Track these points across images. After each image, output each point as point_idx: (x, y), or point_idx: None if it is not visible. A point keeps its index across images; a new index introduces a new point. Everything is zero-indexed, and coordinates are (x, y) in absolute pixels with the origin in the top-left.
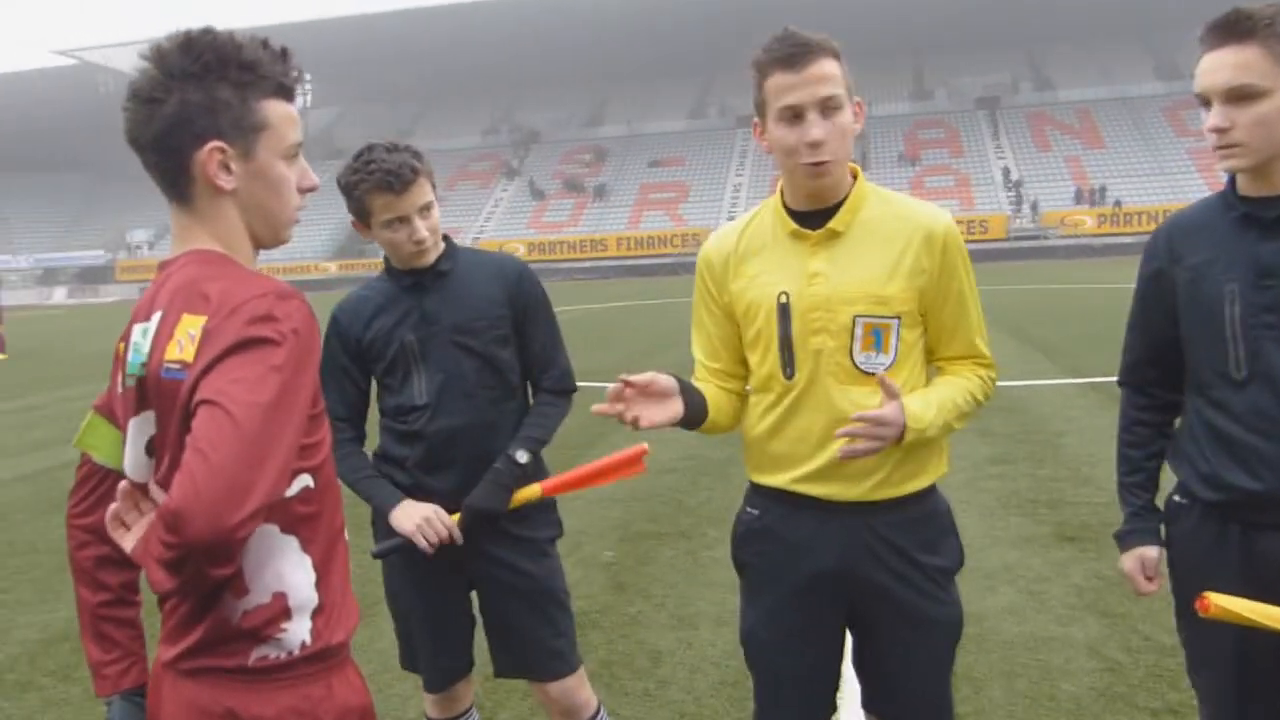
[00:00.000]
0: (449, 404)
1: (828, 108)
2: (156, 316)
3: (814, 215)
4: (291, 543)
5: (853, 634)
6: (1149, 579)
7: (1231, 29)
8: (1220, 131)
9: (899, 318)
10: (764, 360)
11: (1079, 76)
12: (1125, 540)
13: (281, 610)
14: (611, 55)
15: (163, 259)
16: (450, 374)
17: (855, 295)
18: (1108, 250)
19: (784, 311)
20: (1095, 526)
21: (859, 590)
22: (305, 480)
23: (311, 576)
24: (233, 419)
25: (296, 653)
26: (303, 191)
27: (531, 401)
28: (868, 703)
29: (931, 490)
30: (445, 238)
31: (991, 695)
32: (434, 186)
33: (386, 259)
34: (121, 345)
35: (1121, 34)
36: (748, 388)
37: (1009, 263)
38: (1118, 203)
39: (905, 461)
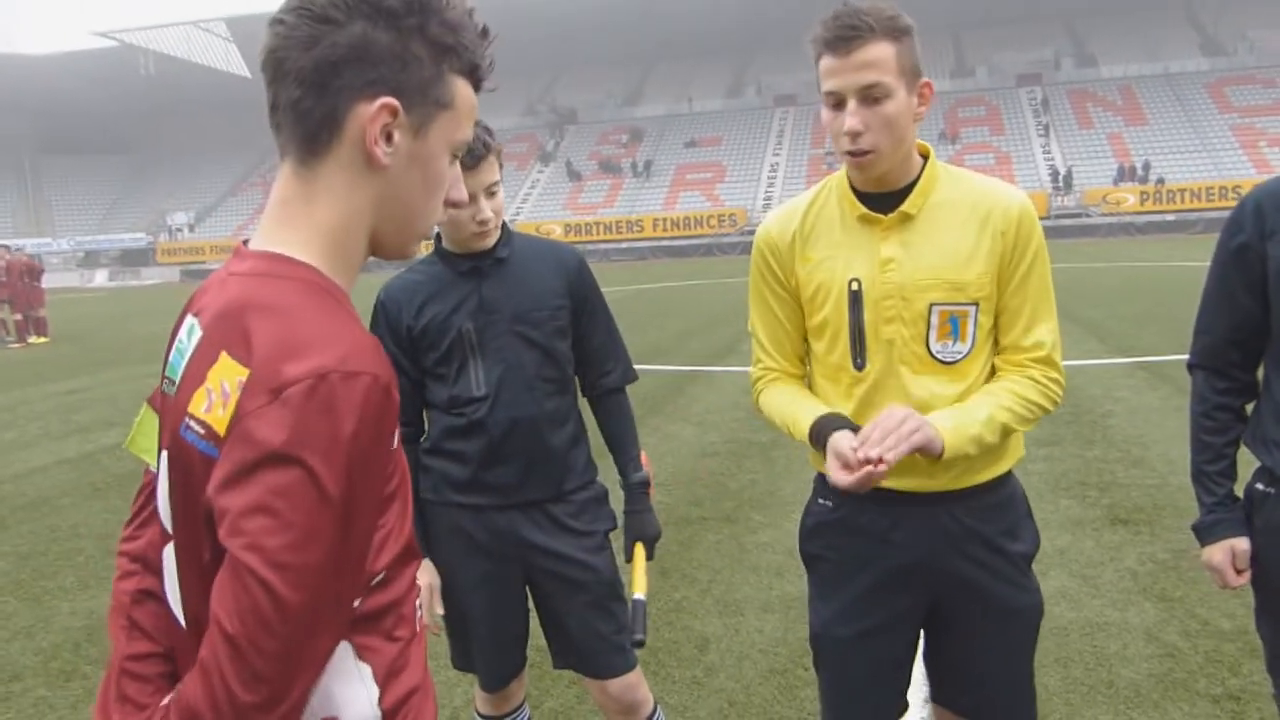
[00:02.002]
0: (509, 395)
1: (869, 97)
2: (199, 333)
3: (883, 198)
4: (344, 652)
5: (927, 628)
6: (1239, 571)
7: None
8: None
9: (977, 304)
10: (832, 348)
11: (1122, 52)
12: (1211, 532)
13: None
14: (649, 35)
15: (244, 239)
16: (510, 364)
17: (931, 282)
18: (1150, 228)
19: (855, 299)
20: (1148, 509)
21: (941, 582)
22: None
23: (373, 692)
24: (272, 595)
25: None
26: (448, 204)
27: (587, 397)
28: (945, 698)
29: (1009, 475)
30: (504, 224)
31: (1047, 683)
32: (501, 166)
33: (438, 240)
34: (175, 333)
35: (1165, 9)
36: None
37: (1051, 241)
38: (1160, 180)
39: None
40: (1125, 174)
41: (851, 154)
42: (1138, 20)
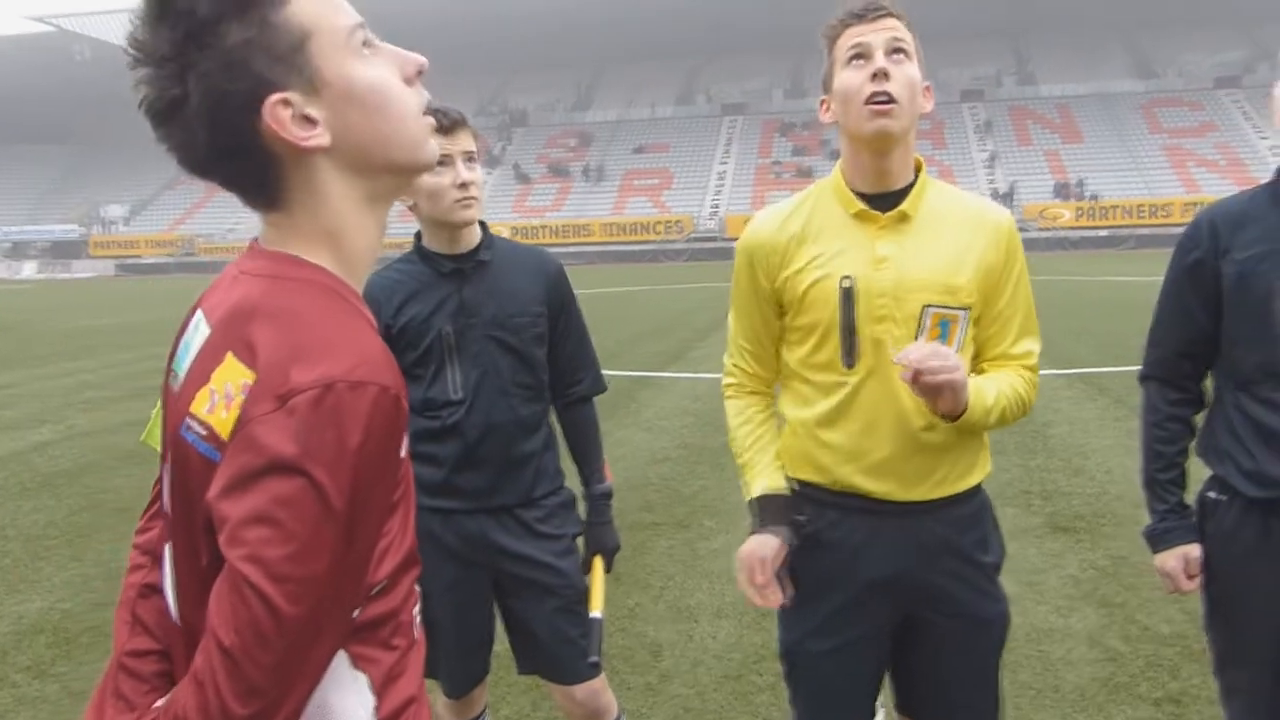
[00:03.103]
0: (485, 400)
1: (896, 50)
2: (205, 331)
3: (880, 197)
4: (340, 662)
5: (897, 638)
6: (1190, 577)
7: None
8: None
9: (967, 310)
10: (820, 348)
11: (1061, 72)
12: (1163, 539)
13: None
14: (600, 39)
15: (255, 236)
16: (487, 369)
17: (925, 283)
18: (1083, 243)
19: (847, 296)
20: (1088, 517)
21: (915, 595)
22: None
23: (369, 701)
24: (271, 608)
25: None
26: (411, 79)
27: (555, 405)
28: (912, 707)
29: (980, 486)
30: (482, 224)
31: None
32: (476, 138)
33: (418, 239)
34: (183, 328)
35: (1102, 30)
36: (776, 386)
37: None
38: (1094, 196)
39: (960, 458)
40: (1061, 190)
41: (877, 103)
42: (1076, 41)
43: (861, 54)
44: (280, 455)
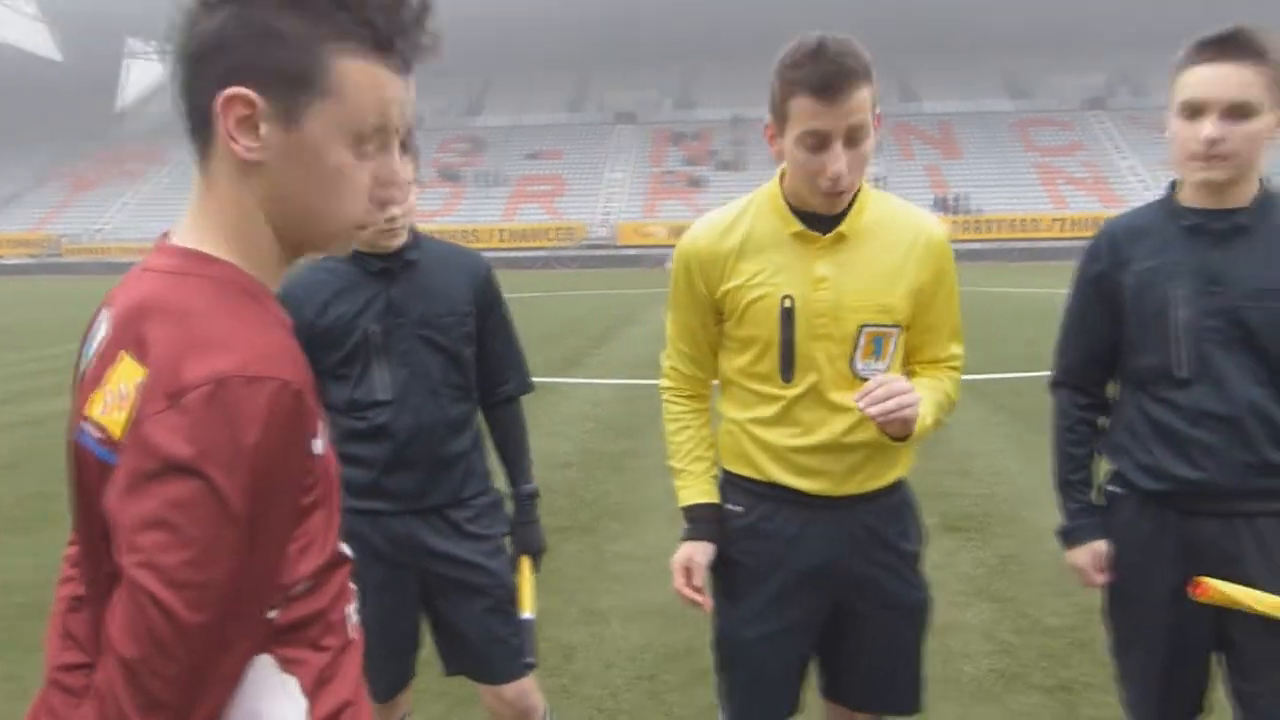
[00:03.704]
0: (413, 401)
1: (854, 138)
2: (104, 330)
3: (819, 217)
4: (267, 666)
5: (826, 627)
6: (1099, 571)
7: (1239, 48)
8: (1214, 142)
9: (899, 326)
10: (760, 361)
11: (941, 90)
12: (1074, 536)
13: None
14: (492, 45)
15: (164, 232)
16: (415, 370)
17: (861, 304)
18: (960, 256)
19: (788, 315)
20: (978, 517)
21: (844, 583)
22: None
23: (301, 703)
24: (169, 616)
25: None
26: (380, 201)
27: (482, 405)
28: (839, 693)
29: (902, 481)
30: (412, 227)
31: None
32: (416, 165)
33: None
34: (91, 326)
35: (979, 51)
36: (715, 383)
37: None
38: (969, 211)
39: (886, 456)
40: (941, 204)
41: (829, 194)
42: (955, 60)
43: (819, 142)
44: (172, 456)
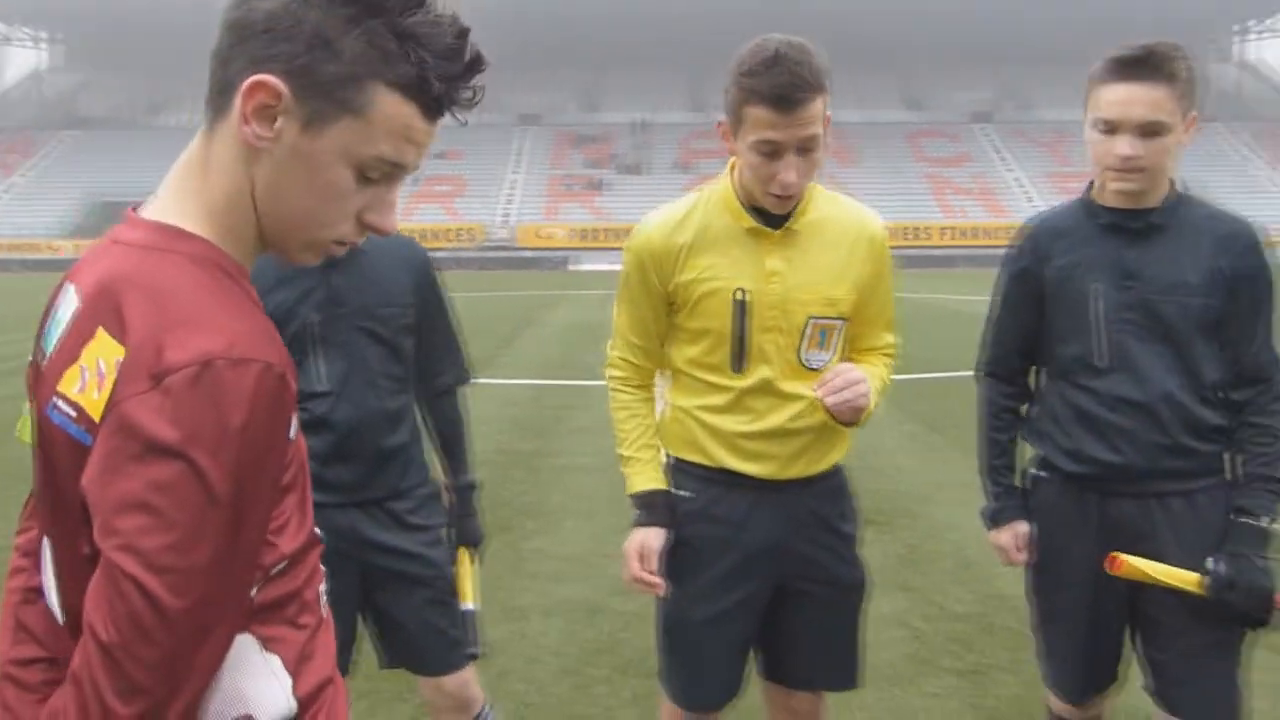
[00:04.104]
0: (353, 392)
1: (806, 148)
2: (75, 304)
3: (769, 212)
4: (249, 646)
5: (768, 609)
6: (1020, 550)
7: (1151, 69)
8: (1129, 159)
9: (844, 319)
10: (712, 352)
11: (836, 99)
12: (998, 517)
13: None
14: None
15: (134, 204)
16: (354, 360)
17: (809, 297)
18: None
19: (740, 308)
20: (886, 511)
21: (788, 564)
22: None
23: (285, 682)
24: (151, 601)
25: None
26: (364, 226)
27: (420, 396)
28: (781, 673)
29: (840, 465)
30: None
31: None
32: None
33: None
34: (53, 301)
35: (875, 61)
36: (662, 373)
37: None
38: None
39: (825, 440)
40: None
41: (779, 198)
42: (850, 73)
43: (772, 151)
44: (156, 438)
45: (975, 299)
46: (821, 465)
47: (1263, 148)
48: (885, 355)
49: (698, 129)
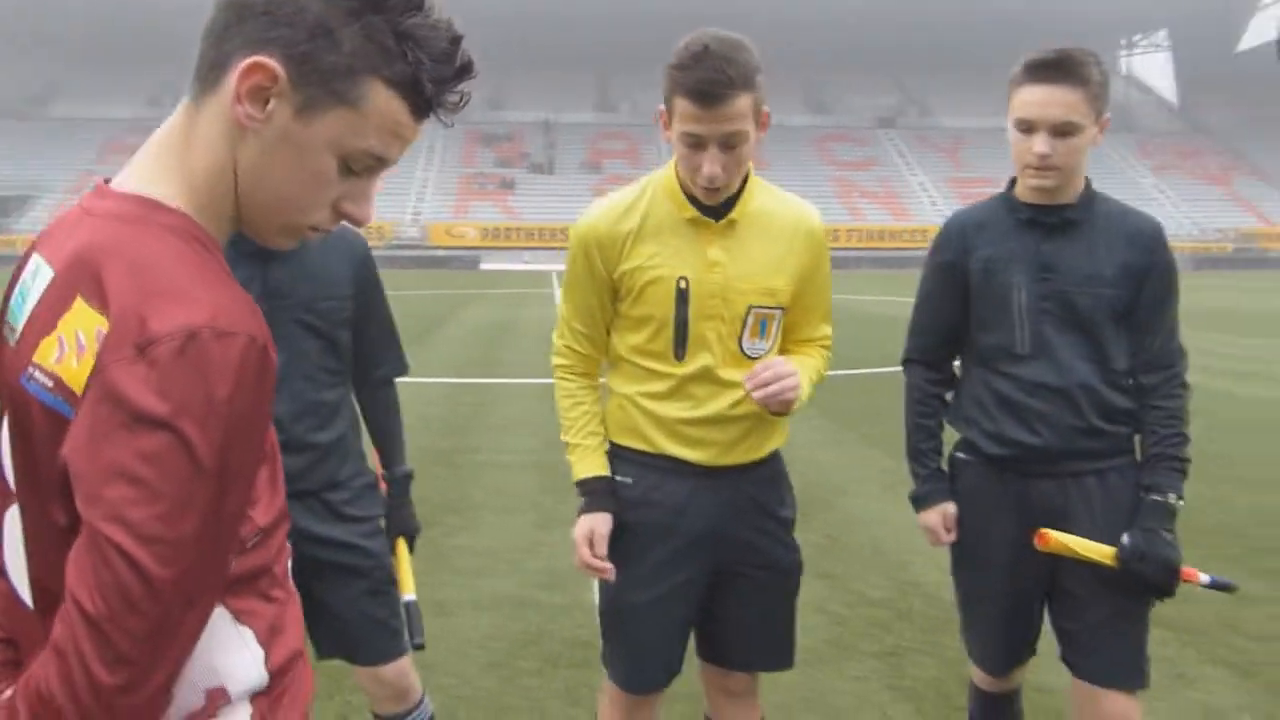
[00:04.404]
0: (293, 385)
1: (730, 143)
2: (49, 274)
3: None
4: (222, 619)
5: (708, 592)
6: (948, 530)
7: (1065, 73)
8: (1044, 157)
9: (782, 309)
10: (654, 339)
11: None
12: (926, 500)
13: (219, 706)
14: None
15: (105, 177)
16: (293, 353)
17: (749, 287)
18: None
19: (682, 296)
20: (803, 503)
21: (728, 548)
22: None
23: (257, 653)
24: (139, 571)
25: None
26: (341, 215)
27: (356, 387)
28: (718, 654)
29: (777, 453)
30: None
31: None
32: None
33: None
34: (19, 273)
35: (780, 66)
36: (605, 364)
37: None
38: None
39: (762, 428)
40: None
41: (706, 187)
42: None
43: (696, 144)
44: (143, 408)
45: (882, 299)
46: (760, 452)
47: (1148, 157)
48: (822, 346)
49: (605, 129)
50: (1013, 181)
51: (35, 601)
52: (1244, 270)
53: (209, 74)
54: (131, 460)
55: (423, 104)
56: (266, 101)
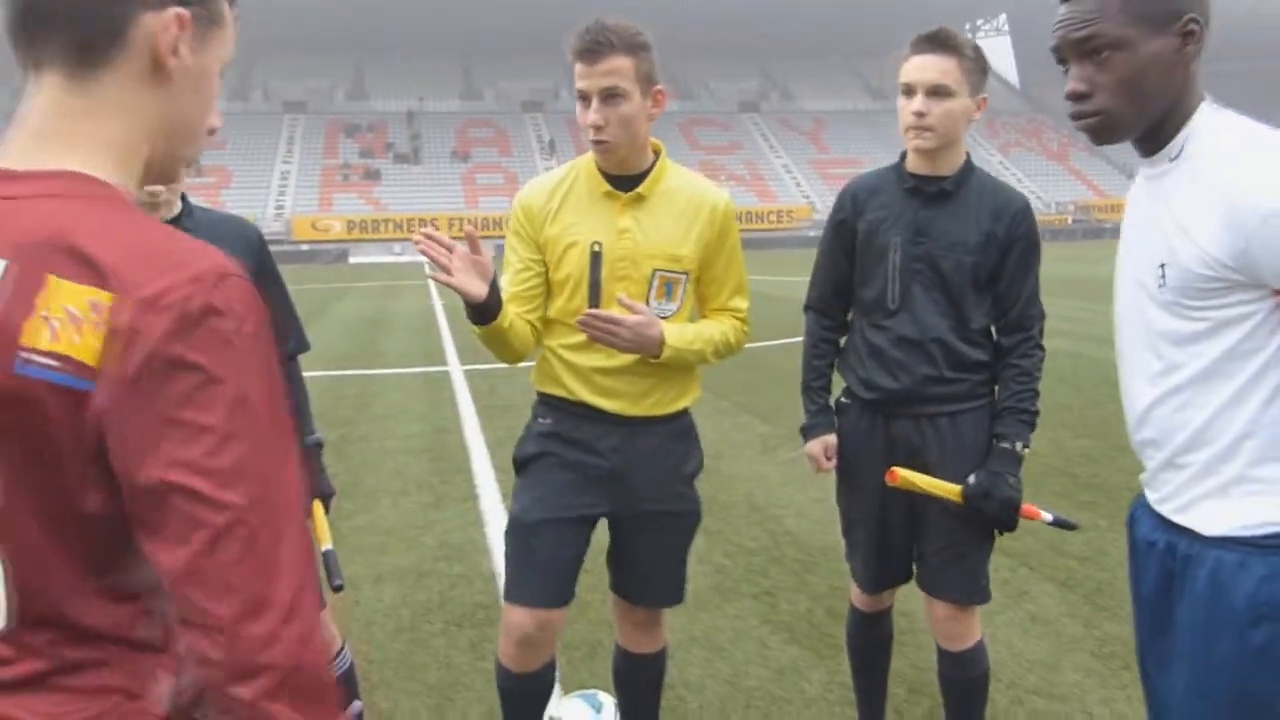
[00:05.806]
0: None
1: (609, 96)
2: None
3: (623, 179)
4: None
5: (613, 530)
6: (829, 459)
7: (939, 44)
8: (920, 115)
9: (687, 274)
10: (572, 298)
11: None
12: (811, 431)
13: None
14: None
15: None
16: None
17: (655, 252)
18: None
19: (596, 259)
20: None
21: (626, 491)
22: None
23: None
24: (244, 524)
25: None
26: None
27: None
28: (622, 587)
29: (687, 410)
30: (182, 195)
31: None
32: None
33: None
34: None
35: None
36: (542, 317)
37: None
38: None
39: (673, 385)
40: None
41: (595, 142)
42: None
43: (582, 98)
44: (188, 355)
45: (753, 278)
46: (670, 408)
47: (995, 135)
48: (735, 317)
49: (472, 117)
50: (904, 154)
51: (22, 606)
52: (1083, 241)
53: (96, 42)
54: (193, 412)
55: (232, 7)
56: (177, 49)
